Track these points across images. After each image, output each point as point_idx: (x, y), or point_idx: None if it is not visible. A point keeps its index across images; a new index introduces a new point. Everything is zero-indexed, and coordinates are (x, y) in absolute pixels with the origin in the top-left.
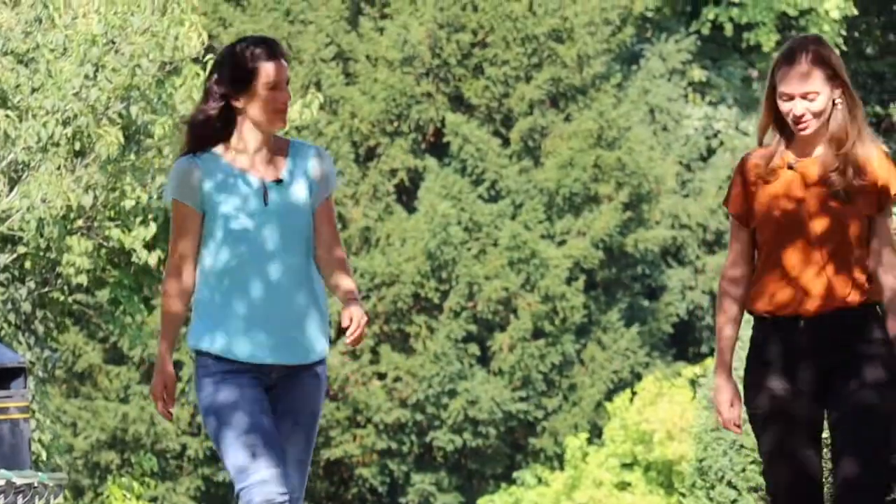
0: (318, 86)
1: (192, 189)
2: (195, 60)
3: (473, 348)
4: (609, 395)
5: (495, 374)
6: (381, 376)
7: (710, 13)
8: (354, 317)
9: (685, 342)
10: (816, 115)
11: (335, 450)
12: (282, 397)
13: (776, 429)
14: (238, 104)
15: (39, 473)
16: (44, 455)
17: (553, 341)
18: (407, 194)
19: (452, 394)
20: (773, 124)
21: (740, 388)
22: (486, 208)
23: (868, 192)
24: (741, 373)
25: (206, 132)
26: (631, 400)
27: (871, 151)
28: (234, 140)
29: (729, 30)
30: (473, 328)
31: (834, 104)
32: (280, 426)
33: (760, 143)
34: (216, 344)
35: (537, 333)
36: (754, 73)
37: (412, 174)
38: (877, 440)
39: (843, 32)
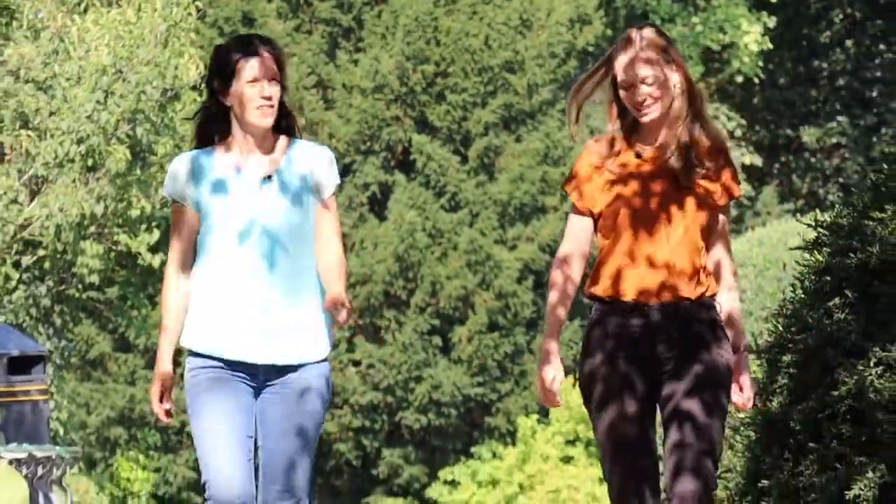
0: (301, 110)
1: (186, 187)
2: (193, 88)
3: (436, 339)
4: None
5: (455, 362)
6: (356, 363)
7: None
8: (337, 299)
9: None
10: (657, 98)
11: None
12: (274, 399)
13: (611, 410)
14: (226, 101)
15: (57, 447)
16: (61, 431)
17: (506, 333)
18: (378, 205)
19: (418, 379)
20: (618, 114)
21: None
22: (448, 217)
23: (709, 180)
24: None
25: (205, 130)
26: (574, 384)
27: (712, 138)
28: (231, 137)
29: None
30: (436, 322)
31: (676, 89)
32: (271, 427)
33: (611, 119)
34: (204, 342)
35: (492, 326)
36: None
37: (383, 187)
38: (705, 445)
39: (761, 64)
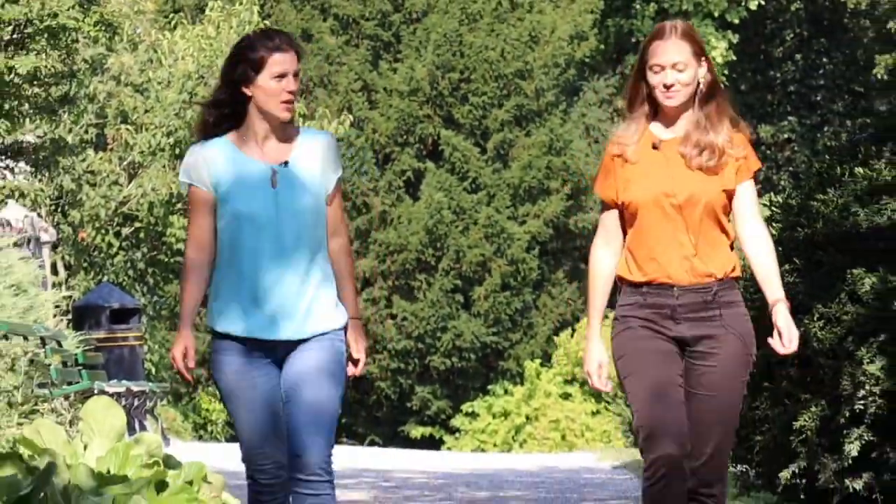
0: (350, 109)
1: (203, 174)
2: None
3: (459, 297)
4: (556, 332)
5: (475, 316)
6: (393, 316)
7: (630, 59)
8: (360, 349)
9: (610, 294)
10: (685, 85)
11: None
12: (290, 366)
13: (642, 371)
14: (248, 92)
15: (150, 383)
16: (153, 370)
17: (516, 292)
18: (412, 187)
19: (444, 329)
20: (640, 101)
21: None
22: (469, 197)
23: (729, 165)
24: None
25: (217, 118)
26: (571, 335)
27: (733, 131)
28: (244, 127)
29: None
30: (459, 283)
31: (699, 85)
32: (293, 389)
33: (630, 108)
34: (225, 323)
35: (505, 287)
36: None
37: (416, 173)
38: (726, 425)
39: (726, 73)
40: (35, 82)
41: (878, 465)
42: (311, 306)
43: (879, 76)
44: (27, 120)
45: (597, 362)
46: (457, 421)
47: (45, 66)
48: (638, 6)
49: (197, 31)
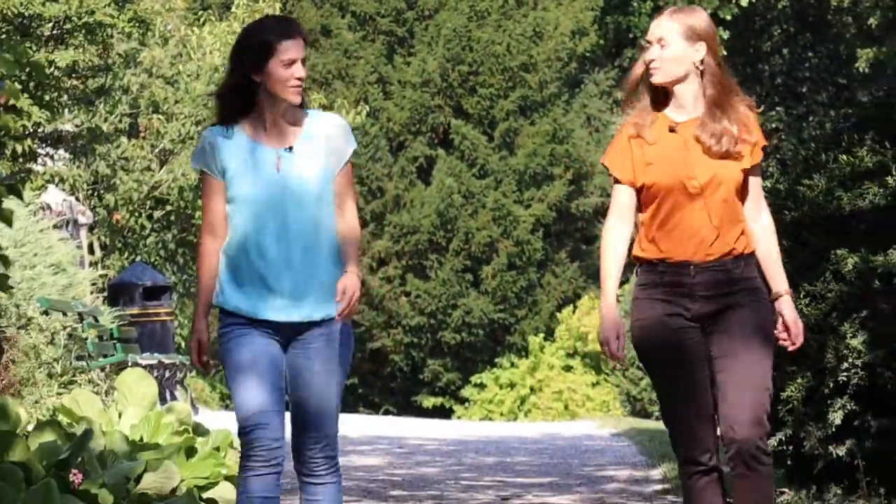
0: (366, 100)
1: (212, 159)
2: None
3: (468, 276)
4: (559, 308)
5: (483, 294)
6: (407, 294)
7: (628, 53)
8: (347, 290)
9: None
10: (665, 61)
11: (376, 342)
12: (302, 353)
13: (667, 360)
14: (257, 79)
15: (180, 356)
16: (182, 344)
17: (521, 272)
18: (424, 173)
19: (454, 306)
20: (640, 84)
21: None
22: (477, 183)
23: (740, 146)
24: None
25: (230, 104)
26: (573, 311)
27: (744, 112)
28: (254, 113)
29: None
30: (468, 262)
31: (702, 67)
32: (300, 379)
33: (630, 92)
34: (231, 301)
35: (511, 266)
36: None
37: (428, 160)
38: (758, 389)
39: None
40: (73, 75)
41: (860, 433)
42: (318, 290)
43: (861, 69)
44: (66, 110)
45: (615, 331)
46: (466, 392)
47: (83, 60)
48: (635, 4)
49: (223, 27)
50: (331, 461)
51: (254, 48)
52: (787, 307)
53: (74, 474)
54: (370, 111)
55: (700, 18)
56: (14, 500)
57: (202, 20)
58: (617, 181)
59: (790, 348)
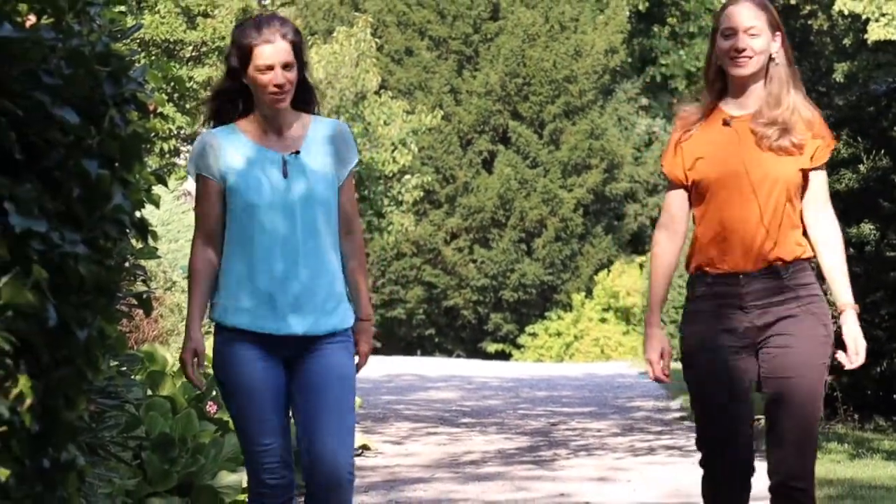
0: (441, 106)
1: (212, 163)
2: (375, 93)
3: (523, 246)
4: (596, 272)
5: (535, 260)
6: (474, 261)
7: (650, 70)
8: (368, 353)
9: (636, 244)
10: (756, 52)
11: (449, 301)
12: (303, 369)
13: (712, 381)
14: (246, 82)
15: None
16: None
17: (566, 242)
18: (488, 164)
19: (512, 271)
20: (713, 78)
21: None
22: (530, 171)
23: (810, 147)
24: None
25: (222, 106)
26: (608, 274)
27: (806, 111)
28: (253, 115)
29: (660, 78)
30: (523, 235)
31: (772, 59)
32: (305, 398)
33: (709, 88)
34: (232, 316)
35: (557, 238)
36: (675, 101)
37: (490, 153)
38: (808, 408)
39: None
40: (208, 88)
41: (837, 370)
42: (324, 301)
43: (837, 80)
44: (202, 116)
45: (658, 352)
46: (522, 339)
47: (216, 76)
48: (655, 29)
49: (326, 49)
50: (350, 478)
51: (235, 52)
52: (850, 324)
53: (210, 405)
54: (444, 115)
55: (773, 5)
56: (163, 426)
57: (310, 44)
58: (670, 184)
59: (846, 367)
